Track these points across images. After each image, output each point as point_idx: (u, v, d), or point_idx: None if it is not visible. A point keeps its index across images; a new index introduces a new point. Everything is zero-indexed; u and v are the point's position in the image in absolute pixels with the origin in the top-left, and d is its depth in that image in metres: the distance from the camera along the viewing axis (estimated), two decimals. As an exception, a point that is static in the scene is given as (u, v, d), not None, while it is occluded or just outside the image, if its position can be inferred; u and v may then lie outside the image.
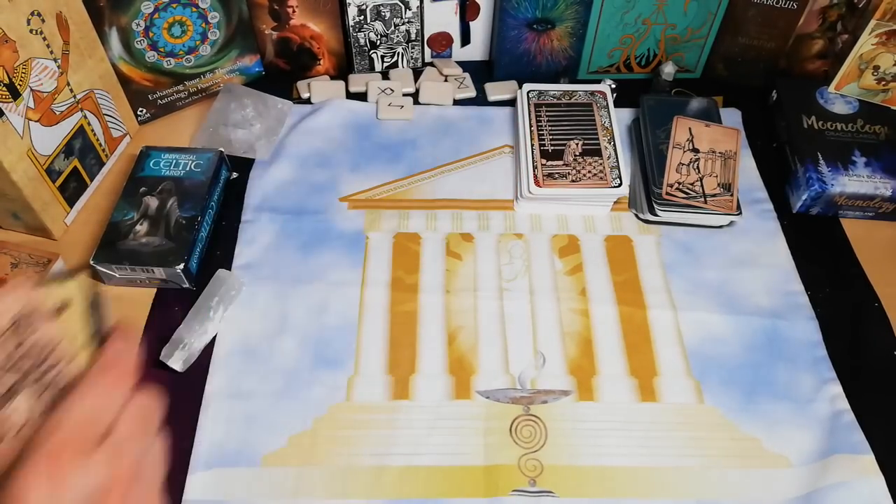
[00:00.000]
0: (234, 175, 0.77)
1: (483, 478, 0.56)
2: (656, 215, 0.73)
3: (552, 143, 0.75)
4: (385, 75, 0.90)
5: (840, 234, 0.74)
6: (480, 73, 0.90)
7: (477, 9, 0.86)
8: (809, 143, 0.76)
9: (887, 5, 0.74)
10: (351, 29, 0.85)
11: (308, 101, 0.86)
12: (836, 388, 0.62)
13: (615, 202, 0.75)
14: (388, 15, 0.84)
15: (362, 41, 0.86)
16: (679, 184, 0.73)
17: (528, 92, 0.80)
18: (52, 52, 0.66)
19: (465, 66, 0.91)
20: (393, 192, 0.77)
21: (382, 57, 0.89)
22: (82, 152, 0.73)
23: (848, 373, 0.63)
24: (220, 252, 0.71)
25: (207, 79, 0.84)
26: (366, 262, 0.70)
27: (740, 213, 0.72)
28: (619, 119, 0.82)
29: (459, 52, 0.92)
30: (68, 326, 0.40)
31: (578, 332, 0.65)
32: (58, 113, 0.69)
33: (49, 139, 0.68)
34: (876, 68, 0.78)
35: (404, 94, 0.87)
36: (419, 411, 0.60)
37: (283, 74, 0.88)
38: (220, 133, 0.80)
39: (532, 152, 0.75)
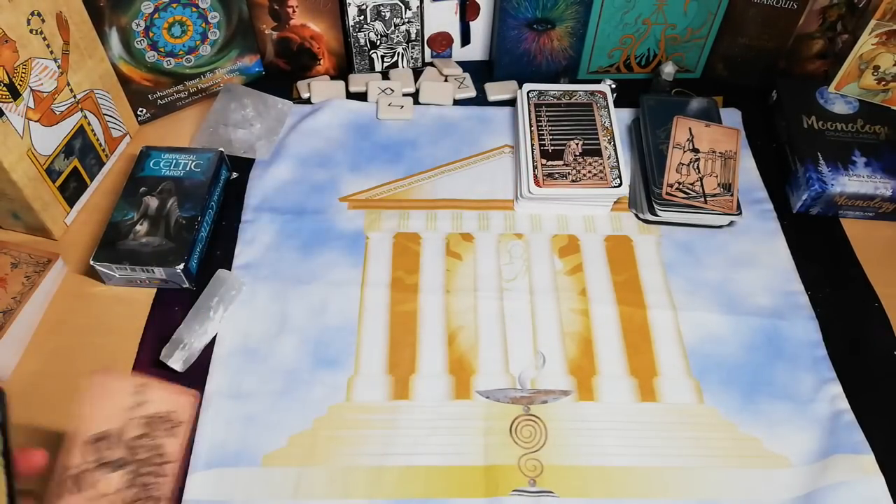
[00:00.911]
0: (234, 175, 0.77)
1: (483, 478, 0.56)
2: (656, 215, 0.73)
3: (552, 143, 0.75)
4: (385, 75, 0.90)
5: (840, 234, 0.74)
6: (480, 73, 0.90)
7: (477, 9, 0.86)
8: (809, 143, 0.76)
9: (887, 5, 0.74)
10: (351, 29, 0.85)
11: (308, 101, 0.86)
12: (836, 388, 0.62)
13: (615, 202, 0.75)
14: (388, 15, 0.84)
15: (362, 41, 0.86)
16: (679, 184, 0.73)
17: (528, 92, 0.80)
18: (52, 52, 0.66)
19: (465, 66, 0.91)
20: (393, 192, 0.77)
21: (382, 57, 0.89)
22: (82, 152, 0.73)
23: (848, 373, 0.63)
24: (220, 252, 0.71)
25: (207, 79, 0.84)
26: (366, 262, 0.70)
27: (740, 213, 0.72)
28: (619, 119, 0.82)
29: (459, 52, 0.92)
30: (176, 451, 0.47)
31: (578, 332, 0.65)
32: (58, 113, 0.69)
33: (49, 139, 0.68)
34: (876, 68, 0.78)
35: (404, 94, 0.87)
36: (419, 411, 0.60)
37: (283, 74, 0.88)
38: (220, 133, 0.80)
39: (532, 152, 0.75)
